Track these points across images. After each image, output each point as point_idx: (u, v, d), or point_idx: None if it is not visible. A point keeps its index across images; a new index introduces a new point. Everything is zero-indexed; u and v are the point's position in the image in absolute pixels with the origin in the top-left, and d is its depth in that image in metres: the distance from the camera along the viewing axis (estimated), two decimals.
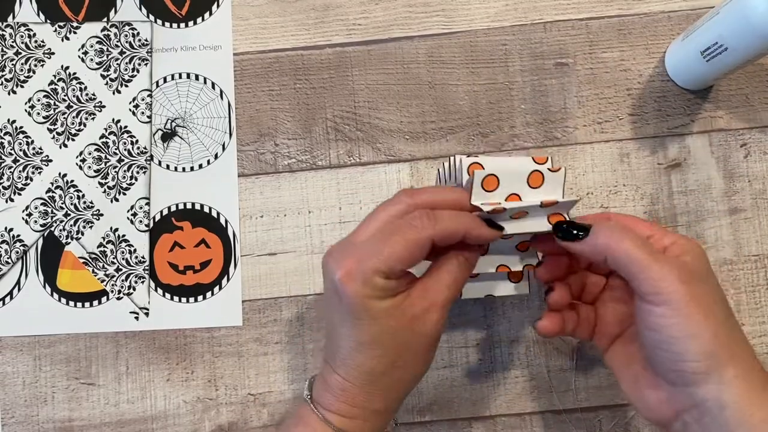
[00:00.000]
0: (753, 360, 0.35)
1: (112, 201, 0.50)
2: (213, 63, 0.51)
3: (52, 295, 0.49)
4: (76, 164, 0.50)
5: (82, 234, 0.49)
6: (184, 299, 0.49)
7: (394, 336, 0.36)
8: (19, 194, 0.50)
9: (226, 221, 0.49)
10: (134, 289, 0.49)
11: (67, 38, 0.51)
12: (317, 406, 0.37)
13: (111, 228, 0.49)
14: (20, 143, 0.50)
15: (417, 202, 0.37)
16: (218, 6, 0.52)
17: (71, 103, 0.51)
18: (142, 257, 0.49)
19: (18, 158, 0.50)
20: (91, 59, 0.51)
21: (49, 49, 0.51)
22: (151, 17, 0.52)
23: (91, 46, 0.51)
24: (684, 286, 0.34)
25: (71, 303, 0.49)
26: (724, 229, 0.49)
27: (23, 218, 0.50)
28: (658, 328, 0.35)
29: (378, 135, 0.50)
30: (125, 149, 0.50)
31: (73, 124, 0.51)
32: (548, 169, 0.39)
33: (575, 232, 0.37)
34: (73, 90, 0.51)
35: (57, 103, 0.51)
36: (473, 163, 0.39)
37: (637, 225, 0.38)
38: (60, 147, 0.50)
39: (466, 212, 0.38)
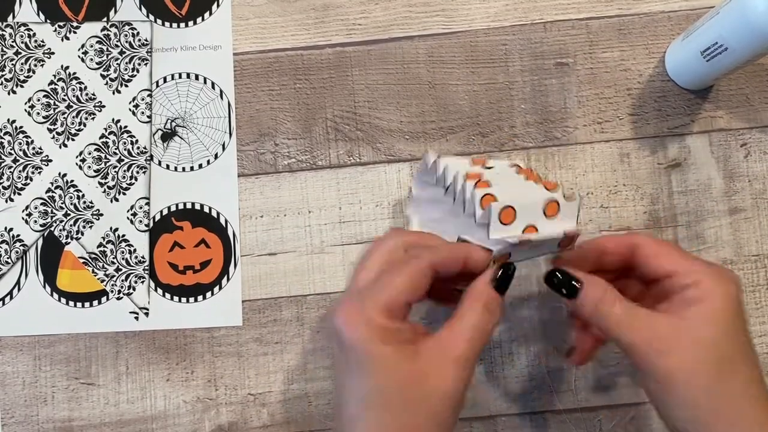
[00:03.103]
0: (750, 420, 0.34)
1: (112, 201, 0.50)
2: (213, 63, 0.51)
3: (52, 295, 0.49)
4: (76, 164, 0.50)
5: (82, 234, 0.49)
6: (184, 299, 0.49)
7: (401, 391, 0.32)
8: (19, 194, 0.50)
9: (226, 221, 0.49)
10: (134, 289, 0.49)
11: (67, 38, 0.51)
12: None
13: (111, 228, 0.49)
14: (20, 143, 0.50)
15: (409, 240, 0.36)
16: (218, 6, 0.52)
17: (71, 103, 0.51)
18: (142, 257, 0.49)
19: (18, 158, 0.50)
20: (91, 59, 0.51)
21: (49, 48, 0.51)
22: (151, 17, 0.52)
23: (91, 46, 0.51)
24: (662, 359, 0.33)
25: (71, 303, 0.49)
26: (724, 229, 0.49)
27: (23, 218, 0.50)
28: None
29: (378, 135, 0.50)
30: (125, 149, 0.50)
31: (72, 124, 0.50)
32: (563, 196, 0.38)
33: (564, 288, 0.36)
34: (73, 90, 0.51)
35: (57, 102, 0.51)
36: (486, 195, 0.37)
37: (664, 258, 0.36)
38: (60, 147, 0.50)
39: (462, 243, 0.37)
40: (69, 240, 0.49)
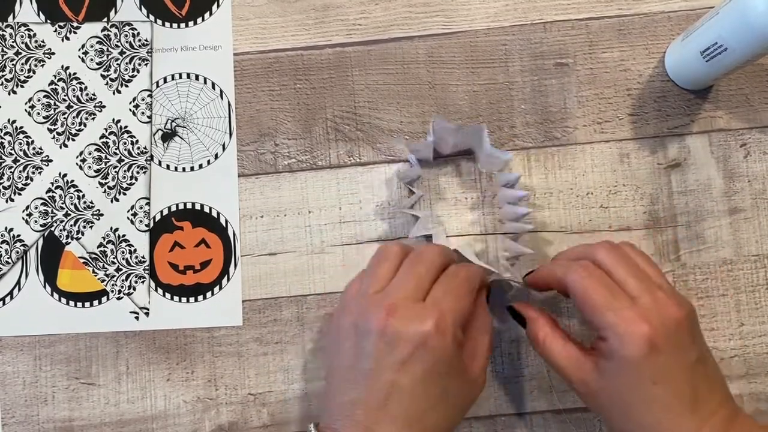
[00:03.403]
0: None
1: (112, 201, 0.50)
2: (213, 63, 0.51)
3: (52, 295, 0.49)
4: (76, 164, 0.50)
5: (82, 234, 0.49)
6: (184, 299, 0.49)
7: (457, 392, 0.38)
8: (19, 194, 0.50)
9: (226, 221, 0.50)
10: (134, 289, 0.49)
11: (67, 38, 0.51)
12: None
13: (111, 228, 0.49)
14: (20, 143, 0.50)
15: (447, 252, 0.42)
16: (218, 6, 0.52)
17: (71, 103, 0.51)
18: (142, 257, 0.49)
19: (18, 158, 0.50)
20: (91, 59, 0.51)
21: (50, 49, 0.51)
22: (151, 17, 0.52)
23: (91, 46, 0.51)
24: (589, 400, 0.39)
25: (71, 303, 0.49)
26: (723, 229, 0.49)
27: (23, 218, 0.50)
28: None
29: (378, 135, 0.50)
30: (125, 149, 0.50)
31: (73, 124, 0.51)
32: None
33: (518, 321, 0.43)
34: (74, 90, 0.51)
35: (57, 103, 0.51)
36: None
37: (584, 306, 0.38)
38: (60, 147, 0.50)
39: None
40: (69, 240, 0.49)
